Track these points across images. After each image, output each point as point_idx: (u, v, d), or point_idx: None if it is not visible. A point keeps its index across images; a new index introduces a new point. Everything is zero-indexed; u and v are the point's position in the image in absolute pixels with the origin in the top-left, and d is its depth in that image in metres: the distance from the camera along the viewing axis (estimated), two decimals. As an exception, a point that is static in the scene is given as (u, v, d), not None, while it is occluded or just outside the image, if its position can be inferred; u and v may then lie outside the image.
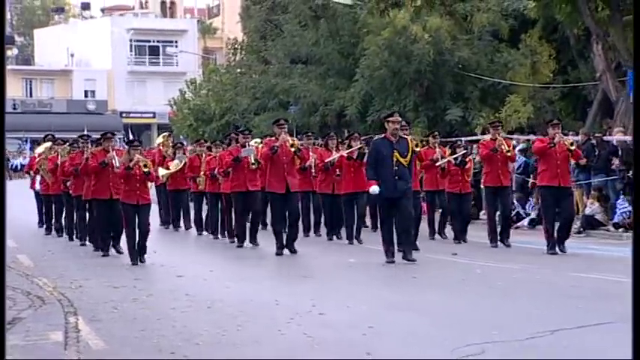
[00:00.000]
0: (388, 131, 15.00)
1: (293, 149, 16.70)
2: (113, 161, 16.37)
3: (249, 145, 17.87)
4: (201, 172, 20.74)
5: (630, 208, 20.42)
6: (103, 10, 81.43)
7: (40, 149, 22.24)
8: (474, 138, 25.88)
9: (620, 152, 21.29)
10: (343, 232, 19.09)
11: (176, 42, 71.53)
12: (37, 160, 21.84)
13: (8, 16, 70.22)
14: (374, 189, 14.97)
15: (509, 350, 8.19)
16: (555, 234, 16.19)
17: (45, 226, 22.36)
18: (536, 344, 8.40)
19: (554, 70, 30.33)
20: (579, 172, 21.51)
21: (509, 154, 17.78)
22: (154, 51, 72.87)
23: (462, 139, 23.07)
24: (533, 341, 8.49)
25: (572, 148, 16.47)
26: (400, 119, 15.49)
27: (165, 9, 79.94)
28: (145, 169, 15.80)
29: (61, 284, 12.89)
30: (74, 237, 19.81)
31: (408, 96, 30.13)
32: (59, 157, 20.11)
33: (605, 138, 22.56)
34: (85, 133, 21.53)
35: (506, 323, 9.54)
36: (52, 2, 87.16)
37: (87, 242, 18.57)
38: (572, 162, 18.73)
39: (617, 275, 12.79)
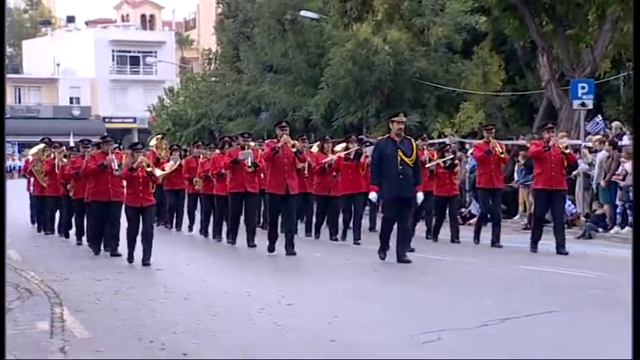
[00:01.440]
0: (392, 131, 14.15)
1: (294, 150, 15.69)
2: (112, 164, 15.54)
3: (247, 148, 17.19)
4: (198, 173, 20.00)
5: (573, 207, 20.58)
6: (87, 23, 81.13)
7: (32, 151, 21.57)
8: (432, 142, 25.92)
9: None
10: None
11: (155, 52, 71.25)
12: (31, 161, 21.10)
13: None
14: (372, 196, 14.57)
15: (462, 337, 8.21)
16: (555, 239, 15.42)
17: (37, 225, 21.59)
18: (488, 332, 8.43)
19: (503, 80, 30.51)
20: (527, 173, 21.59)
21: (502, 155, 16.95)
22: (135, 61, 72.66)
23: (452, 143, 22.62)
24: (484, 329, 8.52)
25: (567, 151, 15.72)
26: (404, 119, 14.70)
27: (145, 22, 79.83)
28: (149, 169, 14.84)
29: (48, 277, 12.80)
30: (69, 237, 18.98)
31: (370, 103, 30.17)
32: (56, 159, 19.45)
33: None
34: (86, 138, 20.63)
35: (460, 312, 9.57)
36: (40, 15, 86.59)
37: (83, 242, 17.74)
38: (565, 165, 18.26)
39: (562, 268, 12.90)
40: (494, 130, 17.18)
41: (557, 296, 10.37)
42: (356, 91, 30.41)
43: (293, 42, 34.50)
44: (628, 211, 18.81)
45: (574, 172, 19.72)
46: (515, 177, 22.36)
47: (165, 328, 9.03)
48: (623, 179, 18.65)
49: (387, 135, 14.55)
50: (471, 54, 30.46)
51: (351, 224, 18.15)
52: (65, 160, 19.05)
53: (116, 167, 15.39)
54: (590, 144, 21.48)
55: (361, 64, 29.67)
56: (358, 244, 17.22)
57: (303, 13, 32.95)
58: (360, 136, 22.09)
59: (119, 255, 15.44)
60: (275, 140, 15.99)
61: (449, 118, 29.29)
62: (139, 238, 14.77)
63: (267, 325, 9.07)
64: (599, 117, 24.24)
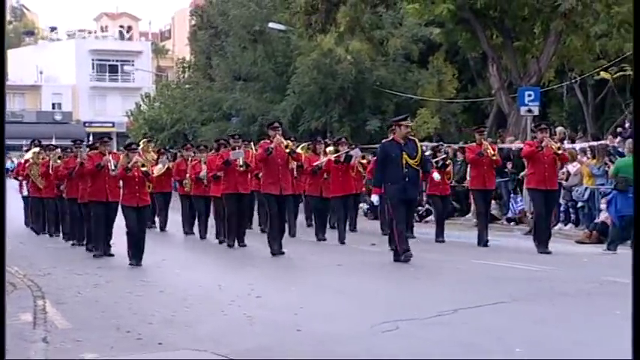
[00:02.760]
0: (398, 135, 13.24)
1: (288, 150, 14.90)
2: (109, 164, 14.78)
3: (238, 149, 16.40)
4: (187, 175, 19.22)
5: (521, 205, 20.69)
6: (68, 33, 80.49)
7: (28, 155, 20.65)
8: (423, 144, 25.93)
9: (512, 157, 21.50)
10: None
11: (132, 61, 70.81)
12: (27, 165, 20.17)
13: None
14: (374, 198, 13.98)
15: (418, 326, 8.23)
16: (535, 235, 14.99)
17: (32, 226, 20.91)
18: (441, 321, 8.45)
19: (457, 88, 30.68)
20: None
21: (494, 157, 16.11)
22: (113, 69, 72.24)
23: (444, 144, 22.38)
24: (438, 319, 8.54)
25: (560, 152, 15.05)
26: (411, 123, 13.78)
27: (123, 33, 79.42)
28: (144, 169, 14.09)
29: (31, 272, 12.70)
30: (67, 238, 17.96)
31: (334, 109, 30.21)
32: (50, 161, 18.65)
33: (499, 145, 22.79)
34: (78, 139, 19.82)
35: (416, 303, 9.59)
36: (24, 26, 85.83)
37: (78, 243, 16.96)
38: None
39: (511, 262, 12.96)
40: (485, 133, 16.38)
41: (507, 288, 10.41)
42: (320, 97, 30.45)
43: (262, 52, 34.49)
44: (570, 210, 18.97)
45: (522, 173, 19.81)
46: (468, 177, 22.43)
47: (141, 319, 8.99)
48: (566, 180, 18.80)
49: (391, 137, 13.62)
50: (426, 64, 30.60)
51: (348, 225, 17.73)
52: (59, 161, 18.23)
53: (113, 167, 14.66)
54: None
55: (325, 73, 29.73)
56: (343, 243, 16.68)
57: (271, 25, 32.94)
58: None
59: (112, 255, 14.82)
60: (268, 141, 15.09)
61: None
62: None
63: (237, 316, 9.05)
64: None
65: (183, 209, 19.96)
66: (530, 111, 23.10)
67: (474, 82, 31.56)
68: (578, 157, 19.21)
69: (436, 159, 17.52)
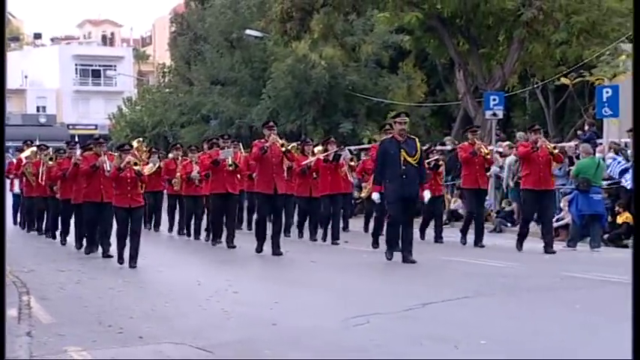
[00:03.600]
0: (395, 131, 12.81)
1: (283, 149, 14.30)
2: (104, 165, 14.05)
3: (227, 148, 15.76)
4: (177, 174, 18.45)
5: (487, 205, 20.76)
6: (52, 40, 79.98)
7: (25, 153, 19.94)
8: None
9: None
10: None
11: (115, 66, 70.49)
12: (24, 163, 19.52)
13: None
14: (375, 196, 13.22)
15: (388, 320, 8.24)
16: (542, 238, 14.42)
17: (26, 225, 20.32)
18: (411, 315, 8.48)
19: (425, 92, 30.74)
20: (446, 175, 21.74)
21: (487, 156, 15.62)
22: (96, 73, 71.84)
23: (438, 147, 22.22)
24: (408, 313, 8.56)
25: (555, 152, 14.61)
26: (407, 119, 13.03)
27: (105, 39, 79.04)
28: (137, 167, 13.29)
29: (16, 268, 12.56)
30: (56, 237, 17.44)
31: (308, 112, 30.20)
32: (42, 162, 18.10)
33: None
34: (74, 140, 19.45)
35: (386, 298, 9.61)
36: (9, 32, 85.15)
37: (66, 241, 16.51)
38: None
39: (477, 259, 13.02)
40: (479, 133, 15.86)
41: (472, 283, 10.46)
42: (295, 101, 30.43)
43: (239, 57, 34.49)
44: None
45: (487, 174, 19.88)
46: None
47: (122, 314, 8.94)
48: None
49: (390, 135, 13.13)
50: (396, 69, 30.64)
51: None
52: (51, 162, 17.58)
53: (108, 168, 13.92)
54: (500, 149, 21.72)
55: (300, 78, 29.70)
56: (337, 244, 16.13)
57: (248, 32, 32.90)
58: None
59: (111, 256, 13.91)
60: (263, 140, 14.49)
61: (377, 127, 29.40)
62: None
63: (215, 311, 9.03)
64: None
65: (171, 208, 19.54)
66: (494, 115, 23.21)
67: (442, 87, 31.68)
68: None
69: (428, 160, 16.71)
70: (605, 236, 16.44)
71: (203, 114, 36.60)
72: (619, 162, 17.58)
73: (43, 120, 67.95)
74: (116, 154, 14.32)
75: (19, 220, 21.32)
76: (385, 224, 13.04)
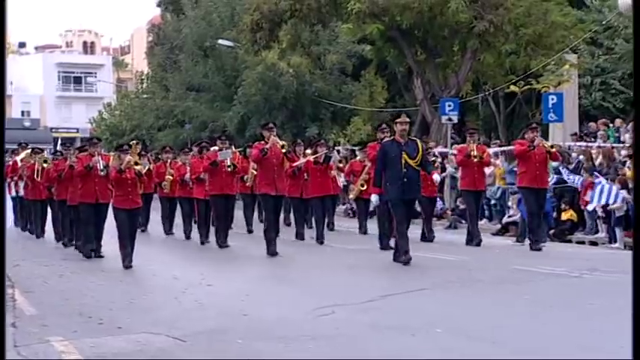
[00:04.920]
0: (397, 133, 11.72)
1: (283, 151, 13.28)
2: (98, 165, 13.16)
3: (225, 149, 14.77)
4: (167, 176, 17.54)
5: (442, 203, 20.88)
6: (36, 48, 79.17)
7: (21, 156, 18.85)
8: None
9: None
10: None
11: (95, 73, 69.85)
12: (20, 166, 18.36)
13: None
14: (374, 198, 12.45)
15: (351, 311, 8.24)
16: (532, 235, 13.76)
17: (25, 227, 18.79)
18: (372, 306, 8.47)
19: (386, 98, 30.85)
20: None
21: (482, 159, 14.65)
22: (78, 80, 71.22)
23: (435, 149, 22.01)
24: (369, 304, 8.56)
25: (552, 150, 13.83)
26: (408, 120, 12.02)
27: (86, 47, 78.38)
28: (137, 167, 12.40)
29: (2, 264, 12.42)
30: (60, 239, 16.01)
31: (277, 116, 30.10)
32: (36, 164, 17.00)
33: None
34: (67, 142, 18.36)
35: (350, 291, 9.59)
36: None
37: (69, 243, 15.34)
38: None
39: (434, 253, 13.02)
40: (476, 135, 15.31)
41: (430, 276, 10.48)
42: (265, 106, 30.42)
43: (212, 65, 34.40)
44: (484, 206, 19.16)
45: (443, 174, 19.97)
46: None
47: (102, 306, 8.87)
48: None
49: (392, 137, 12.04)
50: (359, 77, 30.74)
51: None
52: (45, 164, 16.54)
53: (102, 168, 13.12)
54: (455, 151, 21.82)
55: (269, 85, 29.70)
56: (322, 242, 15.20)
57: (220, 41, 32.79)
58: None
59: (102, 257, 13.31)
60: (263, 142, 13.35)
61: (342, 130, 29.51)
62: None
63: (190, 303, 9.00)
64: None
65: (163, 210, 18.34)
66: (450, 119, 23.36)
67: (401, 93, 31.78)
68: (492, 159, 19.40)
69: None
70: (551, 232, 16.59)
71: (178, 118, 36.53)
72: (565, 164, 17.76)
73: (27, 124, 67.16)
74: (112, 154, 13.61)
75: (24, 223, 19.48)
76: (394, 229, 11.87)
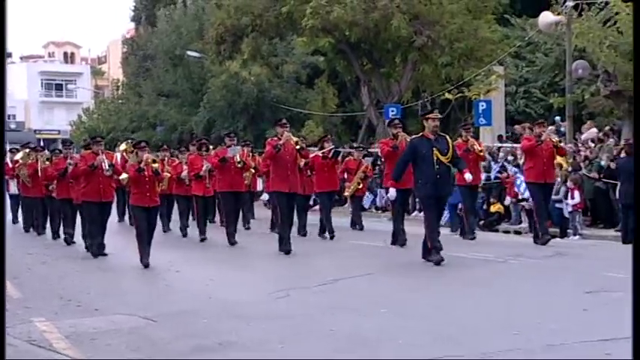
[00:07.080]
0: (427, 129, 10.13)
1: (297, 147, 11.67)
2: (103, 164, 11.87)
3: (234, 146, 13.36)
4: (164, 174, 16.87)
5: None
6: (21, 58, 77.87)
7: (18, 155, 17.20)
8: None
9: (378, 160, 21.54)
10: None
11: (75, 81, 68.79)
12: (17, 165, 16.70)
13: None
14: (392, 193, 11.47)
15: (305, 293, 8.25)
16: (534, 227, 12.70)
17: (24, 224, 17.20)
18: (324, 289, 8.48)
19: (336, 104, 30.92)
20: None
21: (481, 153, 13.47)
22: (59, 87, 70.24)
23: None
24: (322, 287, 8.57)
25: (560, 145, 12.59)
26: (440, 116, 10.57)
27: (67, 57, 77.37)
28: (155, 165, 11.08)
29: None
30: (57, 236, 14.77)
31: (240, 120, 30.07)
32: (39, 162, 15.63)
33: (370, 150, 22.92)
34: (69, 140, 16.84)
35: (304, 276, 9.60)
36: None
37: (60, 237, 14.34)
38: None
39: (378, 242, 12.97)
40: (471, 130, 14.06)
41: (377, 262, 10.49)
42: (228, 111, 30.27)
43: (181, 74, 34.19)
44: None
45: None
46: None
47: (81, 290, 8.77)
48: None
49: (420, 134, 10.38)
50: (313, 85, 30.74)
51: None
52: (48, 162, 15.26)
53: (107, 167, 11.85)
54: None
55: (232, 92, 29.55)
56: (330, 237, 13.90)
57: (188, 52, 32.58)
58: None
59: (106, 254, 11.99)
60: (276, 138, 11.78)
61: (297, 132, 29.44)
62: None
63: (161, 287, 8.96)
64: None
65: (160, 208, 17.46)
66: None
67: (350, 99, 31.86)
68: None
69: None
70: (481, 223, 16.77)
71: (150, 121, 36.21)
72: (495, 162, 17.99)
73: (13, 126, 66.03)
74: (120, 149, 12.50)
75: (20, 220, 17.96)
76: (424, 228, 10.43)
